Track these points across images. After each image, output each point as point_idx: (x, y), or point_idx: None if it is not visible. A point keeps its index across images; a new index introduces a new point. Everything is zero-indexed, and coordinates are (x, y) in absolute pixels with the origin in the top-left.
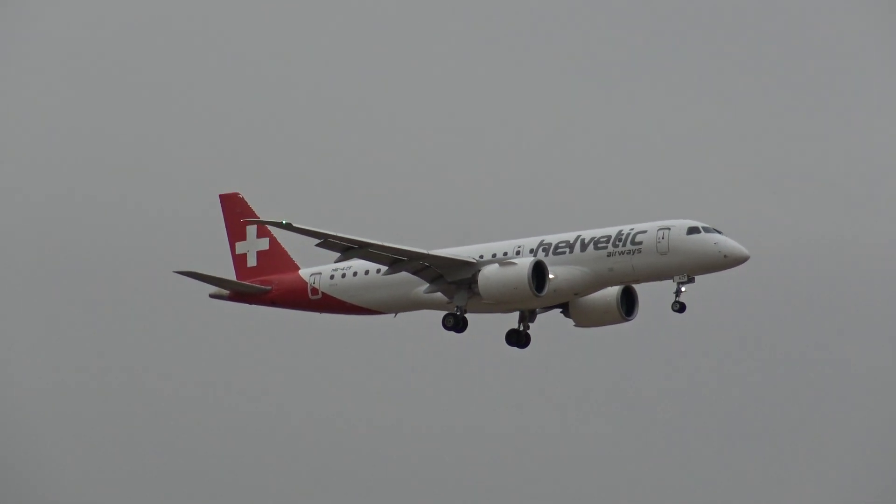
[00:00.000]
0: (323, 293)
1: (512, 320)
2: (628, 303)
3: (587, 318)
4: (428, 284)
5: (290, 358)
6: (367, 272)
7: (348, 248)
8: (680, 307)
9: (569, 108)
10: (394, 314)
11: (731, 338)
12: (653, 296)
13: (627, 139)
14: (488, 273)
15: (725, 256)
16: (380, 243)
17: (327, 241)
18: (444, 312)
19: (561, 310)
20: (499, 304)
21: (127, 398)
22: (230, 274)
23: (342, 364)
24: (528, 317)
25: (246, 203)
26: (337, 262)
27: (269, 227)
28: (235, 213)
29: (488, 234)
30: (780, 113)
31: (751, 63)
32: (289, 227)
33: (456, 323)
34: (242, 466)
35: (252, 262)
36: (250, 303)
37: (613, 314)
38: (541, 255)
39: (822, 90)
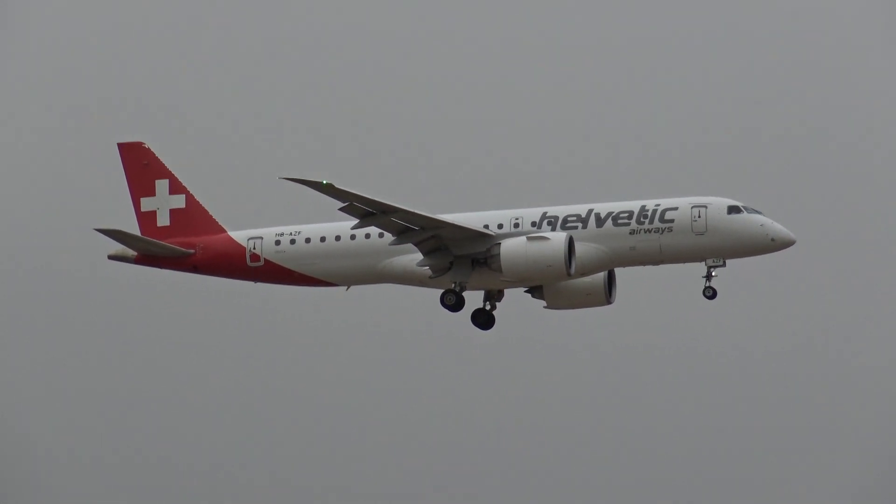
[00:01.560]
0: (266, 260)
1: (477, 299)
2: (609, 285)
3: (566, 300)
4: (423, 256)
5: (236, 331)
6: (322, 239)
7: (369, 215)
8: (712, 293)
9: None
10: (346, 287)
11: (716, 325)
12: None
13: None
14: (514, 248)
15: (773, 240)
16: (426, 215)
17: (352, 206)
18: (419, 287)
19: (526, 288)
20: (521, 281)
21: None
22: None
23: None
24: (496, 295)
25: (153, 154)
26: (355, 228)
27: (184, 183)
28: (140, 164)
29: (470, 202)
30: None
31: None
32: (330, 188)
33: (458, 301)
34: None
35: (164, 220)
36: (164, 267)
37: (598, 296)
38: (546, 229)
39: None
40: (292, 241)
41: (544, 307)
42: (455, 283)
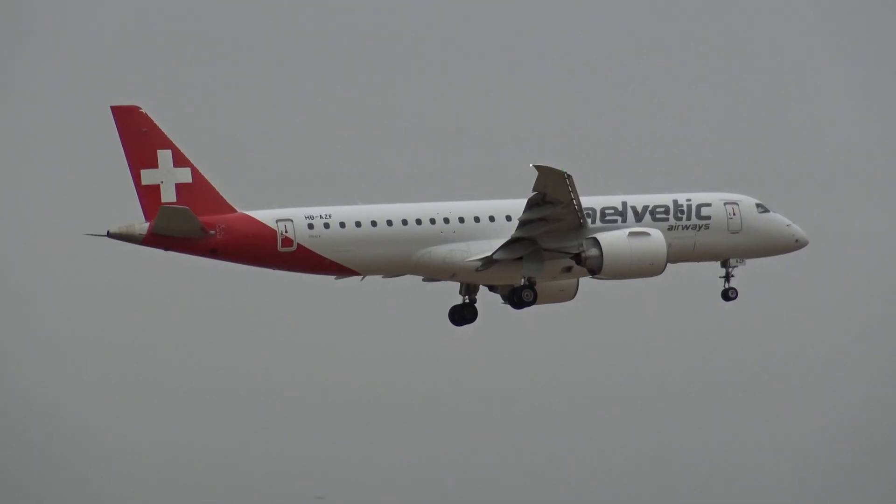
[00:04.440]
0: (299, 245)
1: (452, 295)
2: None
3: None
4: (499, 248)
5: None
6: (358, 224)
7: (536, 206)
8: (736, 294)
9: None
10: (361, 277)
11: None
12: None
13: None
14: (619, 244)
15: (797, 241)
16: (581, 212)
17: (538, 195)
18: (459, 285)
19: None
20: (612, 278)
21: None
22: (135, 208)
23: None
24: (475, 288)
25: (150, 119)
26: (524, 216)
27: (187, 155)
28: (138, 132)
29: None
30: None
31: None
32: (570, 181)
33: (534, 297)
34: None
35: (169, 196)
36: (176, 250)
37: (568, 292)
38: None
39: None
40: (326, 226)
41: (503, 302)
42: (526, 277)
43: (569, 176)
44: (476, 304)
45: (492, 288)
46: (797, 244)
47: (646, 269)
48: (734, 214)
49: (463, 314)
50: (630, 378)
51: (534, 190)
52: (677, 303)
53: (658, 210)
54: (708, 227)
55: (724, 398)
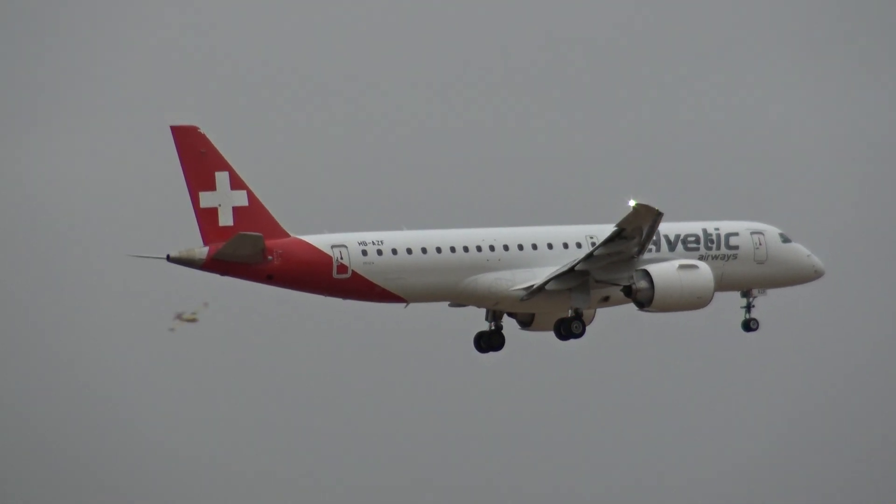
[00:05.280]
0: (353, 272)
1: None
2: None
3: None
4: (552, 279)
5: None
6: (409, 251)
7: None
8: (757, 325)
9: None
10: (406, 304)
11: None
12: None
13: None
14: (669, 276)
15: (816, 271)
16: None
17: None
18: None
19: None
20: (659, 311)
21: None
22: (193, 232)
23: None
24: (499, 315)
25: (208, 140)
26: (597, 249)
27: (243, 179)
28: (197, 152)
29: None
30: None
31: None
32: (658, 220)
33: (583, 329)
34: None
35: (227, 220)
36: (234, 275)
37: (588, 318)
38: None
39: None
40: (379, 252)
41: (521, 329)
42: (573, 309)
43: (660, 214)
44: (503, 331)
45: (511, 313)
46: (816, 274)
47: (693, 302)
48: (760, 244)
49: (491, 342)
50: (652, 408)
51: (619, 225)
52: (699, 333)
53: (689, 239)
54: (736, 258)
55: (751, 432)
